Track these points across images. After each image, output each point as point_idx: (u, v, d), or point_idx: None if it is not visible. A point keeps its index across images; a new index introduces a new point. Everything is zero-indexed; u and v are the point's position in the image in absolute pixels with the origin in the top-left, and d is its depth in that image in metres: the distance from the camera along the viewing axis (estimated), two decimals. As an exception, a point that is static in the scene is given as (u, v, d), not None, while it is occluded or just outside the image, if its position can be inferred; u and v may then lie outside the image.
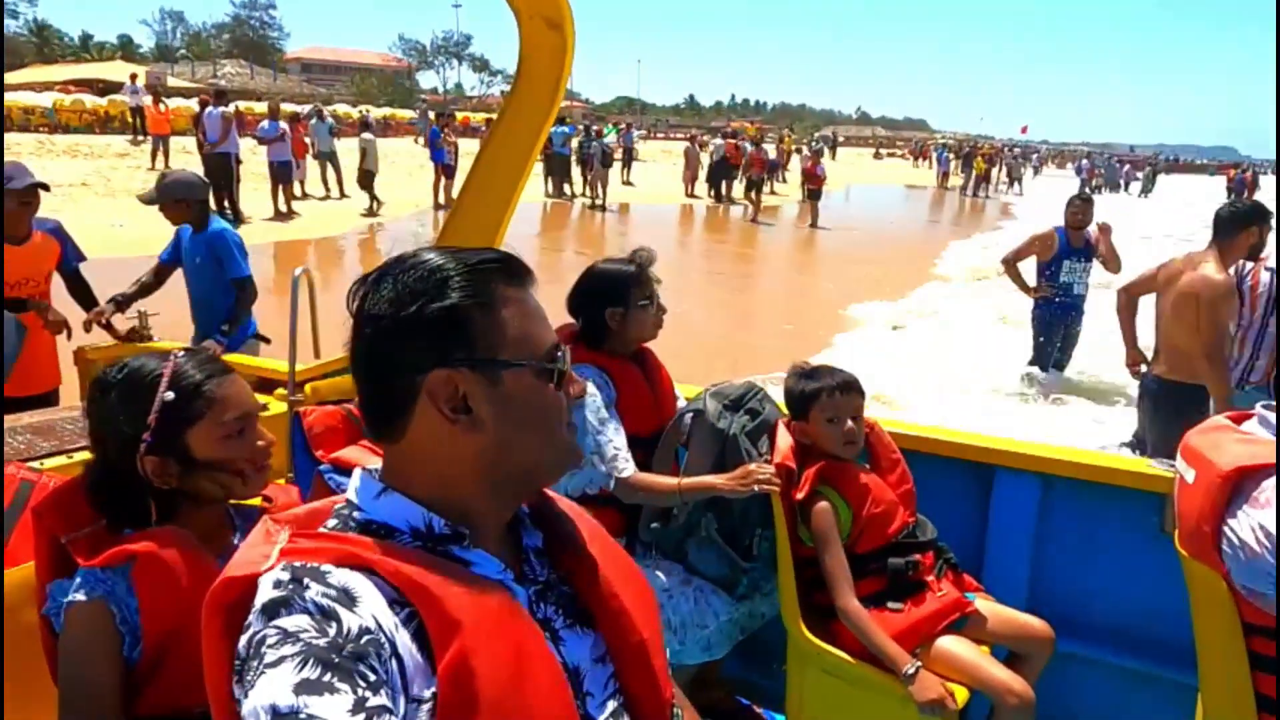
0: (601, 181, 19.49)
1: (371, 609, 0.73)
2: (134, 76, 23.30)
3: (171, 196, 3.79)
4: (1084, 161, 42.41)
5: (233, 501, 1.46)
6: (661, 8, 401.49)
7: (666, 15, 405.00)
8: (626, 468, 2.14)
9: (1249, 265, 3.74)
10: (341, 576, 0.74)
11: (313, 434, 2.54)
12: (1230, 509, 1.40)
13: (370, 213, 15.72)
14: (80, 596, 1.30)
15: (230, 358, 3.60)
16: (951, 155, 35.07)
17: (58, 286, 3.69)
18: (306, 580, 0.73)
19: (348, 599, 0.72)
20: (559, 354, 0.88)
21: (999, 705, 1.93)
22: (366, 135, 16.13)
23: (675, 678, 2.22)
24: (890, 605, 2.07)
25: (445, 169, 16.52)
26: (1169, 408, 3.82)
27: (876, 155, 55.33)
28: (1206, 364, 3.61)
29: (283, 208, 14.70)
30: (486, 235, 2.59)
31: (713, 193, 22.07)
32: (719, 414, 2.23)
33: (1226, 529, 1.39)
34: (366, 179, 15.97)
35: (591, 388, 2.18)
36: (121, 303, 3.78)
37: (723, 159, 21.74)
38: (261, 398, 3.17)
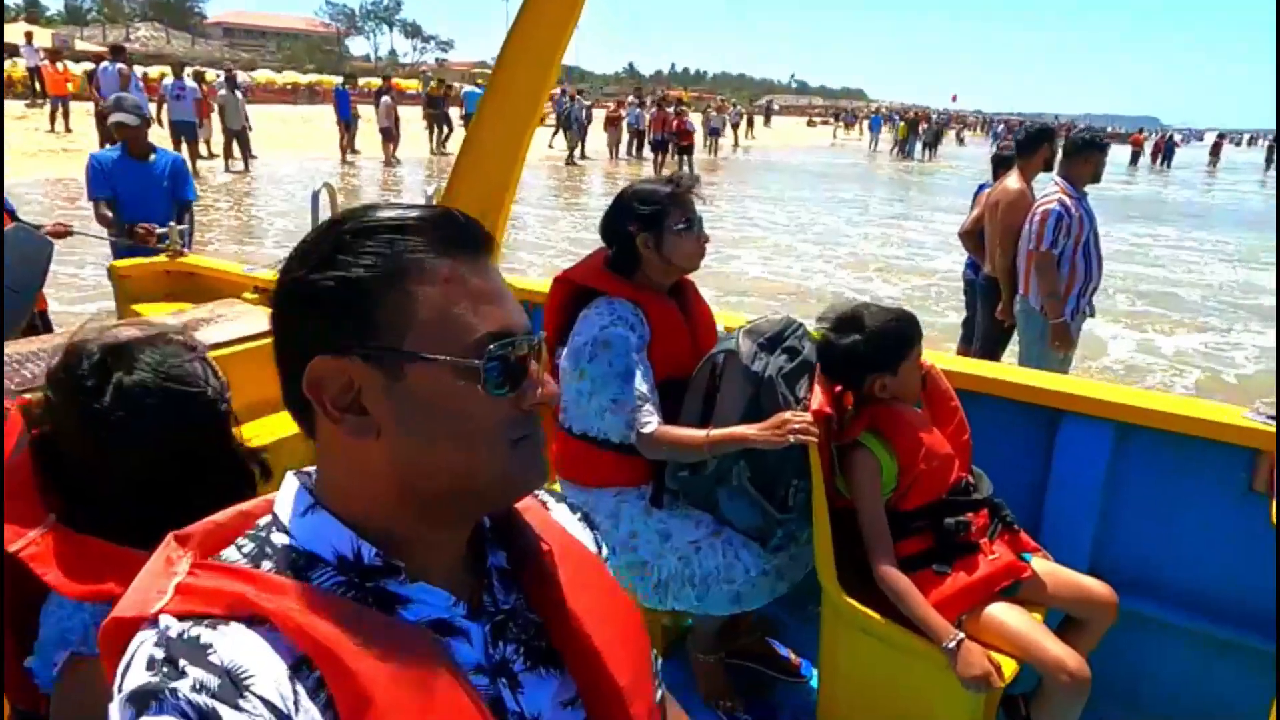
0: None
1: (264, 691, 0.59)
2: (29, 35, 21.87)
3: (143, 116, 4.24)
4: (1000, 128, 44.11)
5: None
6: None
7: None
8: (650, 422, 1.95)
9: (1039, 202, 3.99)
10: (230, 649, 0.61)
11: None
12: None
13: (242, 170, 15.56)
14: (92, 648, 1.07)
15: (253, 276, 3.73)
16: (886, 123, 39.20)
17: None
18: (183, 664, 0.59)
19: (232, 689, 0.59)
20: (497, 349, 0.68)
21: (1050, 682, 1.76)
22: (223, 94, 15.56)
23: (702, 626, 2.29)
24: (936, 568, 1.87)
25: (345, 124, 18.79)
26: (992, 301, 4.70)
27: (810, 123, 58.07)
28: (1000, 254, 4.48)
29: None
30: (501, 172, 2.44)
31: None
32: (753, 354, 1.98)
33: None
34: (232, 137, 15.66)
35: (620, 328, 1.98)
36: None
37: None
38: None
